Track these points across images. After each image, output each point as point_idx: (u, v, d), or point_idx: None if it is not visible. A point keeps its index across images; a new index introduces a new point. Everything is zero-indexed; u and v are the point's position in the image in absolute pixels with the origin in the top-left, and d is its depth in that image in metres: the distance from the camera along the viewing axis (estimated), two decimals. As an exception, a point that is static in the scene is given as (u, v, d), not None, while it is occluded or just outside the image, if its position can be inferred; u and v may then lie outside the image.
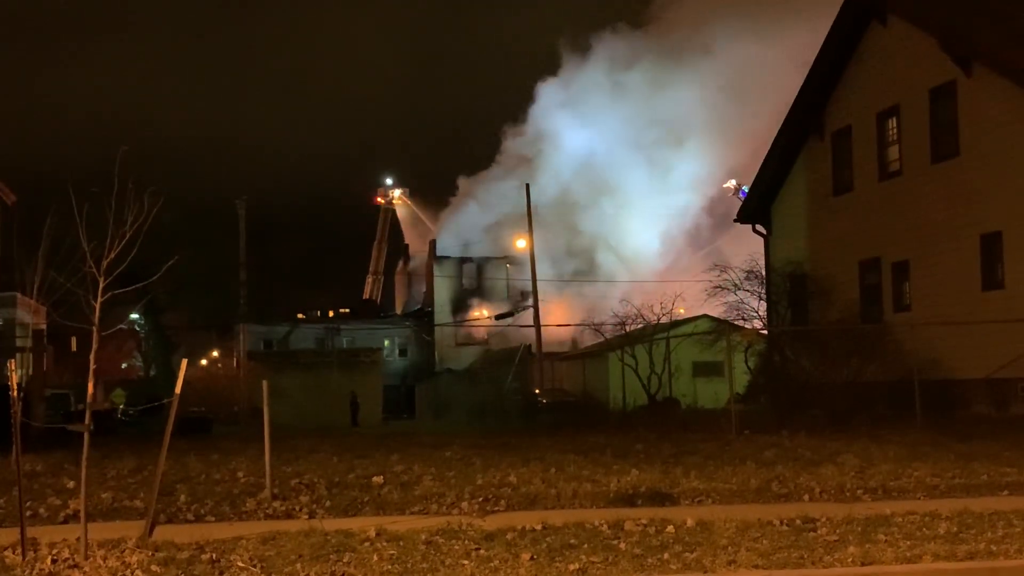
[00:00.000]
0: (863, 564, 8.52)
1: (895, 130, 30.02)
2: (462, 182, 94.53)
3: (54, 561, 8.73)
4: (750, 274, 32.89)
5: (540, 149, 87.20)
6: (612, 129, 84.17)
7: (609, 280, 75.14)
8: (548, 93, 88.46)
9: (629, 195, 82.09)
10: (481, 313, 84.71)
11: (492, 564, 8.56)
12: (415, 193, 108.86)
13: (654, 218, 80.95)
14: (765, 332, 31.62)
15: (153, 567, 8.48)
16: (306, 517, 11.25)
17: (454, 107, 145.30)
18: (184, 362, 10.60)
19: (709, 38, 79.72)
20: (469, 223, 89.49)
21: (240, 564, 8.61)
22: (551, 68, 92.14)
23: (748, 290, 32.40)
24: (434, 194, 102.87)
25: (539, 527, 9.91)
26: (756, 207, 35.75)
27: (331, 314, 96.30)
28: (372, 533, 9.67)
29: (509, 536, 9.60)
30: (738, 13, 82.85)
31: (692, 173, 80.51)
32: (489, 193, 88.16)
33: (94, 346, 9.06)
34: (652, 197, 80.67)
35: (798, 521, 10.08)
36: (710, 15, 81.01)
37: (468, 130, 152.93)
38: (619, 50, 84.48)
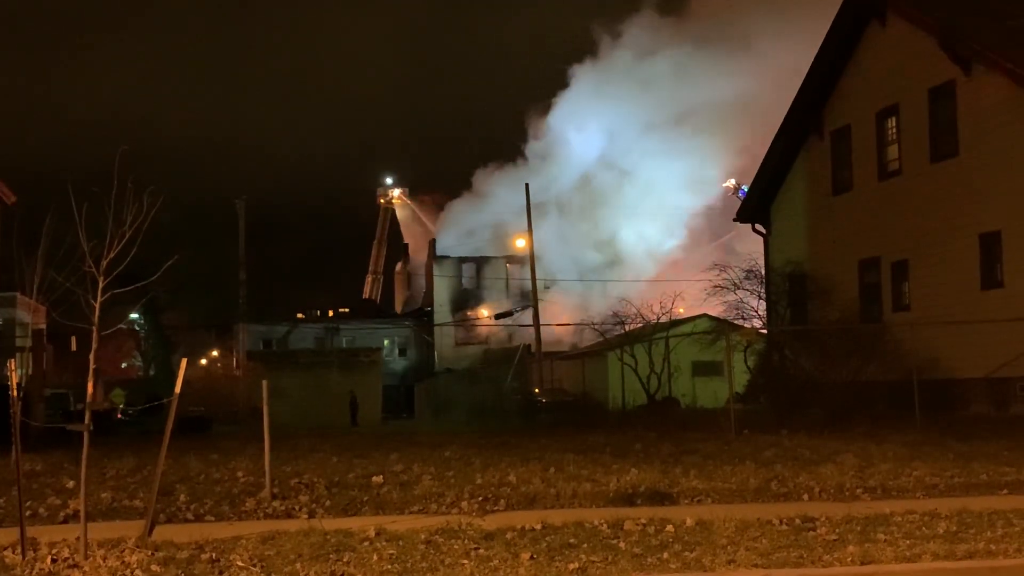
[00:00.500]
0: (862, 563, 8.52)
1: (894, 129, 30.04)
2: (473, 177, 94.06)
3: (54, 561, 8.73)
4: (750, 273, 32.94)
5: (558, 147, 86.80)
6: (633, 121, 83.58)
7: (615, 280, 74.80)
8: (572, 88, 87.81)
9: (651, 188, 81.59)
10: (480, 313, 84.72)
11: (492, 564, 8.56)
12: (415, 193, 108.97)
13: (677, 211, 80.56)
14: (764, 332, 31.65)
15: (153, 567, 8.48)
16: (306, 517, 11.26)
17: (454, 107, 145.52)
18: (184, 361, 10.61)
19: (738, 29, 79.06)
20: (472, 221, 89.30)
21: (240, 564, 8.62)
22: (551, 70, 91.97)
23: (748, 289, 32.47)
24: (435, 193, 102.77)
25: (538, 526, 9.91)
26: (756, 206, 35.78)
27: (330, 314, 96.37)
28: (372, 533, 9.67)
29: (508, 535, 9.60)
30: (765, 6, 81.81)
31: (716, 165, 79.93)
32: (498, 189, 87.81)
33: (94, 346, 9.06)
34: (674, 190, 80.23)
35: (797, 520, 10.08)
36: (737, 5, 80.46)
37: (469, 129, 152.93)
38: (644, 39, 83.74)
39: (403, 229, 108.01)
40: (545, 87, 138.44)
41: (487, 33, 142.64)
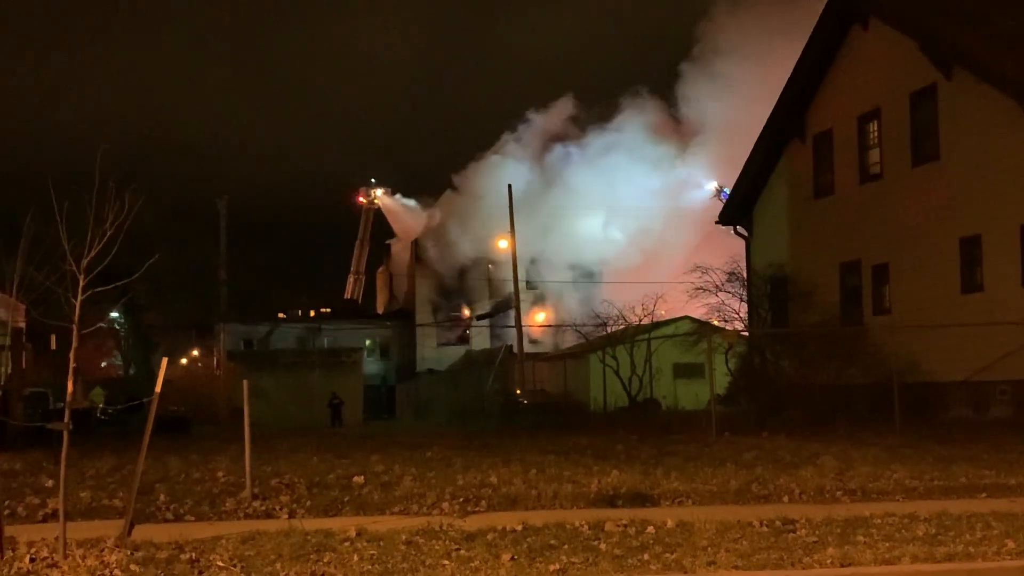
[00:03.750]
0: (842, 565, 8.54)
1: (876, 133, 30.14)
2: (459, 177, 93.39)
3: (32, 560, 8.68)
4: (731, 276, 32.99)
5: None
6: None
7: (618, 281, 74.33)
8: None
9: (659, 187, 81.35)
10: (464, 313, 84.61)
11: (472, 564, 8.55)
12: (399, 192, 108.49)
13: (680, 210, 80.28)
14: (746, 334, 31.73)
15: (132, 566, 8.44)
16: (286, 517, 11.23)
17: (442, 110, 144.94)
18: (164, 361, 10.57)
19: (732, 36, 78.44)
20: (457, 221, 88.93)
21: (220, 564, 8.59)
22: (543, 78, 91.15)
23: (730, 292, 32.52)
24: (420, 194, 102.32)
25: (520, 527, 9.91)
26: (737, 209, 35.87)
27: (312, 314, 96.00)
28: (352, 533, 9.66)
29: (490, 536, 9.60)
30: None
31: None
32: (484, 191, 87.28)
33: (74, 344, 9.01)
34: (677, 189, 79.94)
35: (777, 522, 10.10)
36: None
37: (456, 132, 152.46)
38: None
39: (392, 224, 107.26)
40: (529, 100, 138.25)
41: (483, 41, 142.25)
